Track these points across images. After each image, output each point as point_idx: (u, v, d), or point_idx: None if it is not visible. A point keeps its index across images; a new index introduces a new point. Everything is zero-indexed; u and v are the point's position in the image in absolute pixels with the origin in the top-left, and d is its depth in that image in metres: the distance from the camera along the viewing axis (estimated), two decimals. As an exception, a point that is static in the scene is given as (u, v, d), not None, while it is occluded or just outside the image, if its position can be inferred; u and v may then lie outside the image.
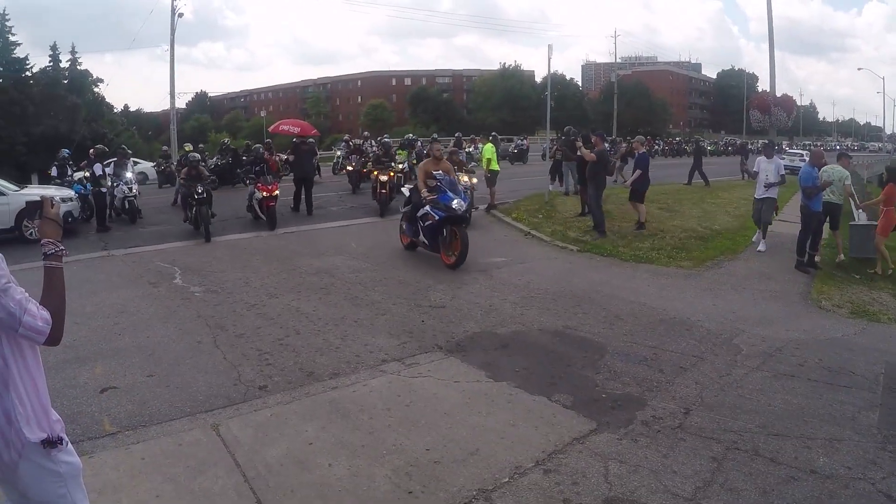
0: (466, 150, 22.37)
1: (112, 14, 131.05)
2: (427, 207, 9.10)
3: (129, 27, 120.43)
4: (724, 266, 9.34)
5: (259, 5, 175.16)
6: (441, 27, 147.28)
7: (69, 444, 2.15)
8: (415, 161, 23.88)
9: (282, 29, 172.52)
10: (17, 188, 12.64)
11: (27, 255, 8.06)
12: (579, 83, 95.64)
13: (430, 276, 8.56)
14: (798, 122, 57.21)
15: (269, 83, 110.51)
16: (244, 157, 21.31)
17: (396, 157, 16.81)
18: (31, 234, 11.36)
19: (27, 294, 1.96)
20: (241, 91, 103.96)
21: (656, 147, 41.55)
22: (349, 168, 18.98)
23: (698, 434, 4.11)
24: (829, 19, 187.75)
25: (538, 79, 75.87)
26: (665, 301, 7.44)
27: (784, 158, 18.29)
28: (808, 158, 11.42)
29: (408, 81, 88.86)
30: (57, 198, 2.43)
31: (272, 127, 19.26)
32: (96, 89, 47.48)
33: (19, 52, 38.90)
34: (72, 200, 12.49)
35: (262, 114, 65.58)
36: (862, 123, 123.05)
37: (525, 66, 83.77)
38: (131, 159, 15.94)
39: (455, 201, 8.90)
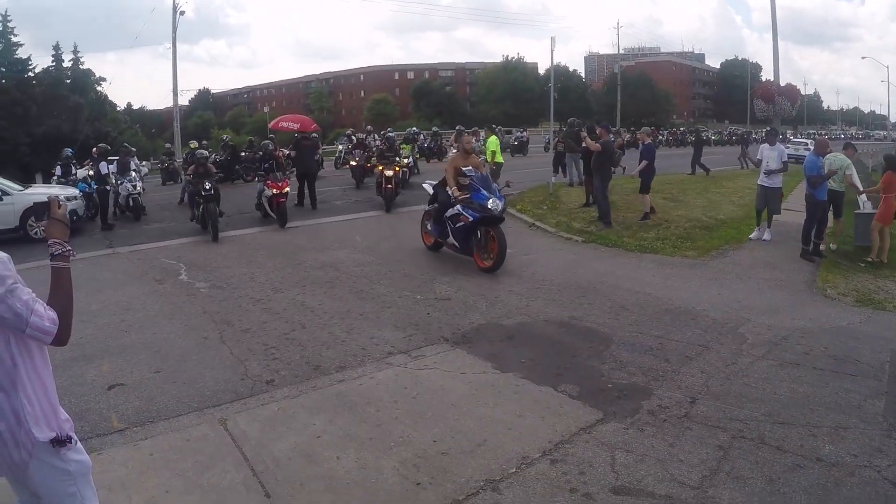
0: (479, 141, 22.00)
1: (114, 14, 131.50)
2: (458, 207, 8.42)
3: (131, 26, 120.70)
4: (729, 255, 9.31)
5: (260, 2, 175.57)
6: (443, 20, 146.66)
7: (78, 443, 2.16)
8: (418, 155, 23.69)
9: (284, 25, 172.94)
10: (21, 188, 12.70)
11: (31, 254, 8.08)
12: (582, 75, 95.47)
13: (434, 268, 8.56)
14: (802, 112, 56.95)
15: (271, 79, 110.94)
16: (243, 154, 21.36)
17: (401, 151, 16.76)
18: (35, 233, 11.39)
19: (34, 294, 1.96)
20: (243, 87, 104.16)
21: (660, 137, 41.39)
22: (352, 163, 18.80)
23: (704, 423, 4.11)
24: (833, 9, 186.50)
25: (541, 71, 75.82)
26: (670, 291, 7.43)
27: (789, 147, 18.16)
28: (812, 147, 11.36)
29: (411, 75, 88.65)
30: (62, 197, 2.43)
31: (272, 123, 19.23)
32: (99, 88, 47.83)
33: (21, 54, 39.15)
34: (76, 199, 12.53)
35: (266, 109, 65.40)
36: (866, 112, 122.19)
37: (528, 59, 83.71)
38: (134, 157, 16.00)
39: (490, 200, 8.20)
